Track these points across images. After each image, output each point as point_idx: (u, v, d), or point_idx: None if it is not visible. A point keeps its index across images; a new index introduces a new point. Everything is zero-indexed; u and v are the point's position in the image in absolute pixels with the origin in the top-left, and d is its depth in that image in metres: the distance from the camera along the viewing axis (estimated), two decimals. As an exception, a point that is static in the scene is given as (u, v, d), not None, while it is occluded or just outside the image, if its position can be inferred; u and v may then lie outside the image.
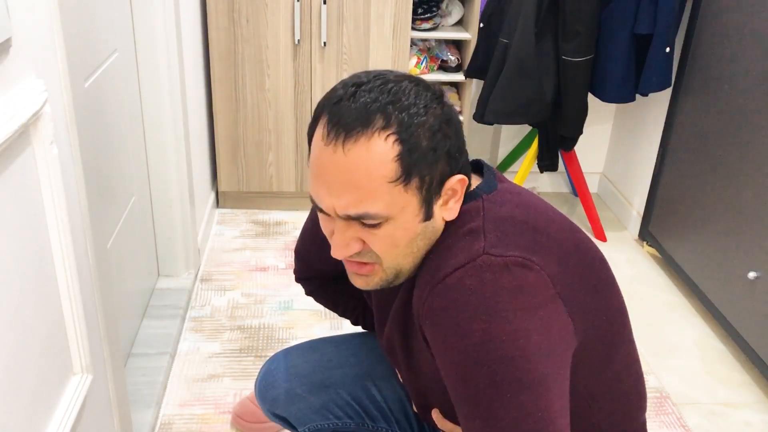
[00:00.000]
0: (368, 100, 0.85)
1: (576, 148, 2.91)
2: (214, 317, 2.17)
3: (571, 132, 2.51)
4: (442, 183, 0.89)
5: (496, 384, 0.83)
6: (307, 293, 1.38)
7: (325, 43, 2.56)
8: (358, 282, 0.97)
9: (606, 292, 0.98)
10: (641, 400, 1.07)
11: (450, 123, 0.89)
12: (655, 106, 2.68)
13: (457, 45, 2.81)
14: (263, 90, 2.63)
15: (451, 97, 2.81)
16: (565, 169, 3.02)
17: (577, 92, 2.40)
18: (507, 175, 3.08)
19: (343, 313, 1.39)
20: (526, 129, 3.05)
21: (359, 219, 0.87)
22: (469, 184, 0.95)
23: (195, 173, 2.39)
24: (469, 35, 2.65)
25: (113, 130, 1.76)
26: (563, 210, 3.04)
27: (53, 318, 1.07)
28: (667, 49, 2.31)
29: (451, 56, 2.74)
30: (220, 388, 1.88)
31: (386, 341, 1.10)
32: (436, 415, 1.11)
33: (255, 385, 1.41)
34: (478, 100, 2.54)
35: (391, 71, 0.90)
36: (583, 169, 3.11)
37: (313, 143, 0.88)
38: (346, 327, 2.16)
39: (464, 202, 0.94)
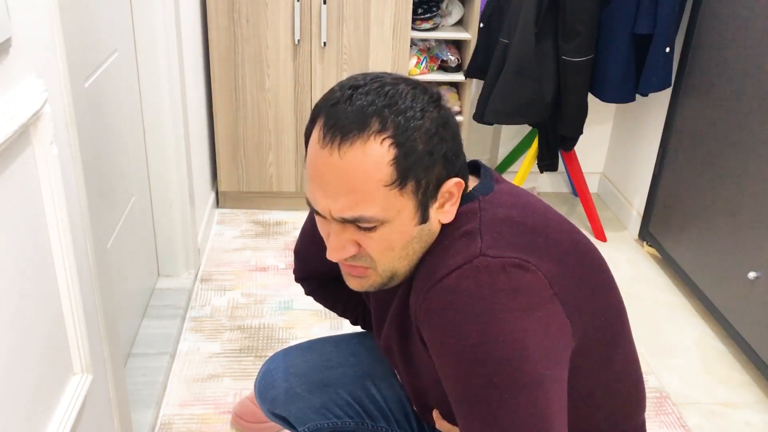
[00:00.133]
0: (365, 103, 0.85)
1: (576, 148, 2.91)
2: (214, 317, 2.17)
3: (571, 132, 2.51)
4: (438, 186, 0.89)
5: (493, 385, 0.83)
6: (307, 293, 1.38)
7: (325, 43, 2.56)
8: (353, 283, 0.97)
9: (605, 292, 0.98)
10: (640, 399, 1.07)
11: (447, 126, 0.89)
12: (655, 106, 2.68)
13: (457, 45, 2.81)
14: (263, 90, 2.63)
15: (451, 97, 2.81)
16: (565, 169, 3.02)
17: (577, 92, 2.40)
18: (507, 175, 3.08)
19: (342, 313, 1.39)
20: (526, 129, 3.05)
21: (355, 222, 0.87)
22: (466, 186, 0.95)
23: (195, 173, 2.39)
24: (469, 35, 2.65)
25: (113, 130, 1.76)
26: (563, 210, 3.04)
27: (53, 318, 1.07)
28: (667, 49, 2.31)
29: (451, 56, 2.74)
30: (220, 388, 1.88)
31: (384, 342, 1.10)
32: (435, 415, 1.11)
33: (255, 385, 1.41)
34: (478, 100, 2.54)
35: (388, 74, 0.90)
36: (583, 169, 3.11)
37: (309, 145, 0.88)
38: (346, 327, 2.16)
39: (461, 204, 0.94)
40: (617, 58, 2.37)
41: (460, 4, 2.77)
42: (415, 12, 2.63)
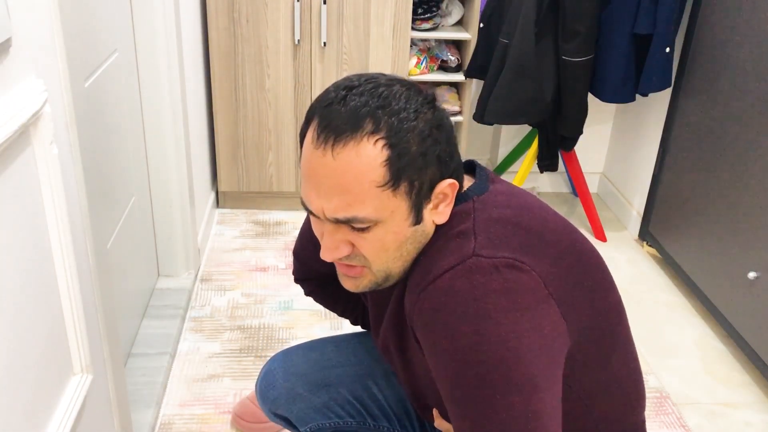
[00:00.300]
0: (358, 103, 0.85)
1: (576, 148, 2.91)
2: (214, 317, 2.17)
3: (571, 132, 2.51)
4: (432, 187, 0.90)
5: (486, 385, 0.83)
6: (307, 293, 1.38)
7: (325, 43, 2.56)
8: (348, 284, 0.97)
9: (602, 292, 0.98)
10: (640, 399, 1.07)
11: (441, 128, 0.89)
12: (655, 106, 2.68)
13: (457, 45, 2.81)
14: (263, 90, 2.63)
15: (450, 97, 2.81)
16: (565, 169, 3.02)
17: (577, 92, 2.40)
18: (507, 175, 3.08)
19: (342, 313, 1.39)
20: (526, 129, 3.05)
21: (348, 222, 0.87)
22: (461, 186, 0.95)
23: (195, 173, 2.39)
24: (469, 35, 2.65)
25: (113, 130, 1.76)
26: (563, 210, 3.04)
27: (53, 318, 1.07)
28: (667, 49, 2.31)
29: (451, 56, 2.74)
30: (220, 388, 1.88)
31: (382, 342, 1.11)
32: (435, 414, 1.11)
33: (256, 386, 1.41)
34: (478, 100, 2.54)
35: (383, 75, 0.91)
36: (583, 169, 3.11)
37: (304, 146, 0.89)
38: (346, 327, 2.16)
39: (455, 204, 0.94)
40: (617, 58, 2.37)
41: (460, 4, 2.77)
42: (415, 12, 2.63)
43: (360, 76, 0.90)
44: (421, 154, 0.86)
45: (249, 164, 2.75)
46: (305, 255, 1.27)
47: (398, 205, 0.87)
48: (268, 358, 1.49)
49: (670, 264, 2.51)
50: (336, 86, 0.89)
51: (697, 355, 2.16)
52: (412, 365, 1.06)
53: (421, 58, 2.72)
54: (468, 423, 0.85)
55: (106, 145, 1.70)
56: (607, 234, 2.84)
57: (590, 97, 2.71)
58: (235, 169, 2.76)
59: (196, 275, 2.37)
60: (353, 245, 0.91)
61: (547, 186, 3.21)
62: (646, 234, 2.69)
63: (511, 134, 3.12)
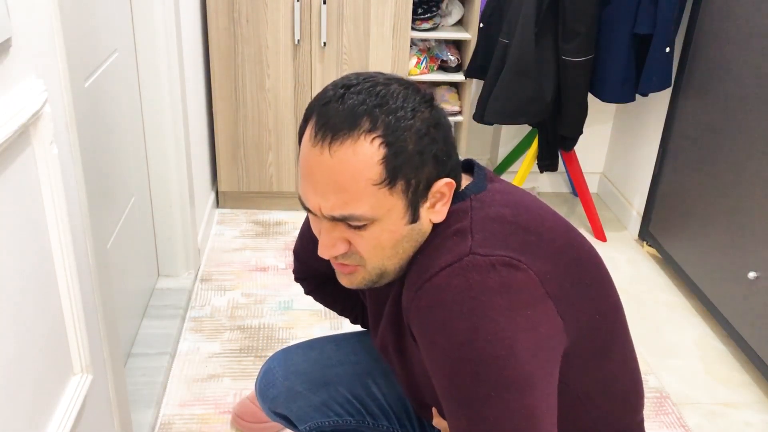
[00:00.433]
0: (356, 102, 0.85)
1: (576, 148, 2.91)
2: (214, 317, 2.17)
3: (571, 132, 2.51)
4: (428, 186, 0.90)
5: (481, 383, 0.84)
6: (307, 292, 1.38)
7: (325, 43, 2.56)
8: (343, 281, 0.98)
9: (600, 291, 0.98)
10: (638, 398, 1.07)
11: (438, 127, 0.89)
12: (655, 106, 2.68)
13: (457, 45, 2.81)
14: (263, 90, 2.63)
15: (450, 97, 2.81)
16: (565, 169, 3.02)
17: (577, 92, 2.40)
18: (507, 175, 3.08)
19: (342, 312, 1.39)
20: (526, 129, 3.05)
21: (344, 220, 0.88)
22: (459, 185, 0.96)
23: (195, 173, 2.39)
24: (469, 35, 2.65)
25: (113, 130, 1.76)
26: (563, 210, 3.05)
27: (53, 318, 1.07)
28: (667, 49, 2.31)
29: (451, 56, 2.74)
30: (220, 388, 1.88)
31: (380, 340, 1.11)
32: (434, 413, 1.12)
33: (255, 385, 1.42)
34: (478, 100, 2.54)
35: (382, 74, 0.91)
36: (583, 169, 3.11)
37: (302, 144, 0.89)
38: (345, 326, 2.16)
39: (452, 203, 0.94)
40: (617, 58, 2.37)
41: (460, 4, 2.77)
42: (415, 12, 2.63)
43: (358, 74, 0.90)
44: (417, 152, 0.86)
45: (249, 164, 2.75)
46: (305, 254, 1.27)
47: (395, 203, 0.87)
48: (268, 357, 1.49)
49: (670, 264, 2.51)
50: (334, 85, 0.89)
51: (697, 355, 2.16)
52: (410, 364, 1.06)
53: (421, 58, 2.72)
54: (463, 420, 0.85)
55: (106, 145, 1.70)
56: (607, 234, 2.84)
57: (590, 97, 2.71)
58: (235, 169, 2.76)
59: (196, 275, 2.37)
60: (350, 243, 0.91)
61: (547, 186, 3.21)
62: (646, 234, 2.69)
63: (511, 134, 3.12)
